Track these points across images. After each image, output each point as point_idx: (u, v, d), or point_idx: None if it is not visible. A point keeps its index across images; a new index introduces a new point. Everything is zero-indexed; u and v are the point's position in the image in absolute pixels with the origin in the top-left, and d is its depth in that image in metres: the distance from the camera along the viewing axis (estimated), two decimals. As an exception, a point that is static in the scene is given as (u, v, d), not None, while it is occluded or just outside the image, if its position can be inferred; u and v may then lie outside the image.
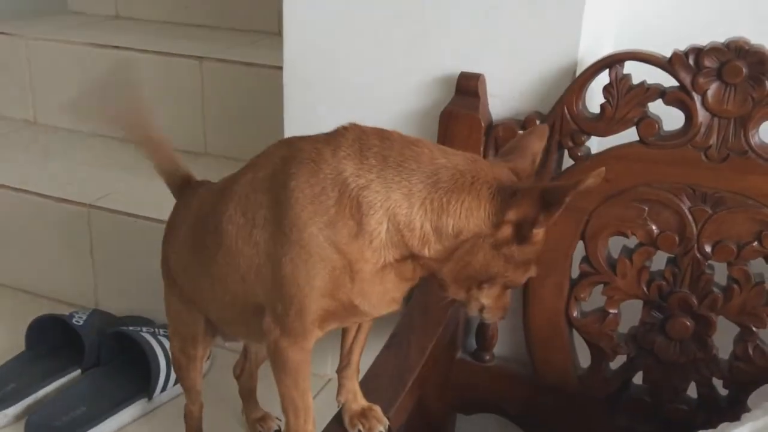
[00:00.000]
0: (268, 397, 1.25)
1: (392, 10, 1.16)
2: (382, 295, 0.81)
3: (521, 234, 0.77)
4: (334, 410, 0.95)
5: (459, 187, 0.76)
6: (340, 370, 0.95)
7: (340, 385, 0.95)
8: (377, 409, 0.94)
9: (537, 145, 0.84)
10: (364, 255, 0.77)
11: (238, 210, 0.84)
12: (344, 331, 0.94)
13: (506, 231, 0.76)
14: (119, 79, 1.21)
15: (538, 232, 0.78)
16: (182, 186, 1.08)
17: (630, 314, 1.13)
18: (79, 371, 1.35)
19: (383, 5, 1.16)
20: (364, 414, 0.93)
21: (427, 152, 0.79)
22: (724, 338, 1.09)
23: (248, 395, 1.24)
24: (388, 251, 0.78)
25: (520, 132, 1.10)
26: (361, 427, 0.92)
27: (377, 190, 0.76)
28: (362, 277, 0.78)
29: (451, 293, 0.83)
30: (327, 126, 0.83)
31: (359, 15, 1.19)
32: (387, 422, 0.93)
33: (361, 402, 0.94)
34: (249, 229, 0.83)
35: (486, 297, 0.82)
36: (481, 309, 0.84)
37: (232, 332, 1.03)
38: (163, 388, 1.29)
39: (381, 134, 0.80)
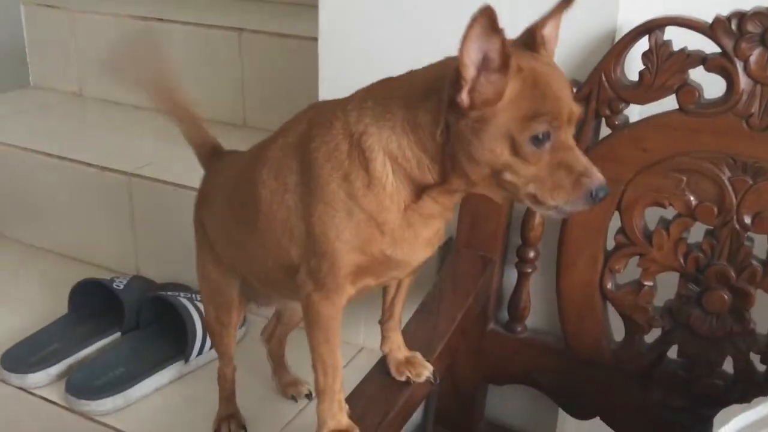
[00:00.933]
0: (298, 365, 1.27)
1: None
2: (413, 239, 0.81)
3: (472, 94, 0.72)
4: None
5: (420, 96, 0.76)
6: (384, 323, 0.98)
7: (384, 337, 0.98)
8: (420, 356, 0.98)
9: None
10: (384, 204, 0.78)
11: (271, 175, 0.86)
12: (385, 287, 0.96)
13: (462, 101, 0.72)
14: (144, 46, 1.22)
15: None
16: (210, 155, 1.10)
17: (666, 287, 1.11)
18: (119, 334, 1.38)
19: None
20: (409, 362, 0.97)
21: (405, 77, 0.79)
22: (762, 312, 1.06)
23: (278, 360, 1.26)
24: (403, 192, 0.78)
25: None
26: (409, 374, 0.96)
27: (372, 133, 0.78)
28: (389, 226, 0.79)
29: (496, 198, 0.80)
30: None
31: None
32: (432, 368, 0.97)
33: (405, 351, 0.98)
34: (282, 194, 0.85)
35: (521, 179, 0.73)
36: (534, 197, 0.74)
37: (273, 294, 1.04)
38: (200, 352, 1.32)
39: (383, 80, 0.81)
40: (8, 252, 1.73)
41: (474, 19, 0.67)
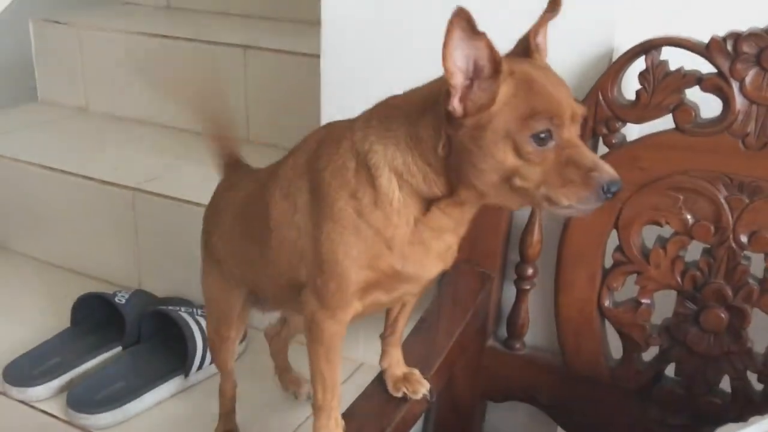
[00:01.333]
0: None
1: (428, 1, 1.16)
2: (424, 253, 0.82)
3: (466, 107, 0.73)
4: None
5: (419, 111, 0.77)
6: (385, 337, 0.98)
7: (384, 352, 0.99)
8: (418, 373, 0.98)
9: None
10: (391, 219, 0.79)
11: (281, 195, 0.88)
12: None
13: (454, 110, 0.73)
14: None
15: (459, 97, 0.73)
16: (231, 165, 1.12)
17: (663, 305, 1.12)
18: (120, 348, 1.39)
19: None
20: (407, 378, 0.98)
21: (407, 95, 0.81)
22: (759, 331, 1.06)
23: (281, 358, 1.27)
24: (411, 207, 0.79)
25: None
26: (405, 390, 0.96)
27: (377, 150, 0.79)
28: (398, 241, 0.80)
29: (510, 205, 0.80)
30: (362, 114, 0.85)
31: (396, 5, 1.20)
32: (428, 385, 0.98)
33: (403, 367, 0.99)
34: (291, 214, 0.86)
35: (531, 182, 0.73)
36: (549, 198, 0.73)
37: (281, 308, 1.05)
38: (200, 367, 1.32)
39: (386, 99, 0.82)
40: (12, 265, 1.74)
41: (450, 23, 0.68)
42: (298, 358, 1.24)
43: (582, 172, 0.71)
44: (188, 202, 1.51)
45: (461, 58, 0.70)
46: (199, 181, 1.15)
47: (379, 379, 1.00)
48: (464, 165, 0.75)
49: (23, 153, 1.73)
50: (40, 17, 2.08)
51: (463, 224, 0.83)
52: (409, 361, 1.01)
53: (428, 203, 0.79)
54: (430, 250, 0.82)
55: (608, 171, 0.72)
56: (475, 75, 0.71)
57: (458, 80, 0.71)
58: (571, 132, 0.73)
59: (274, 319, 1.26)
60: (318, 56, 1.32)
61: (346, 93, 1.26)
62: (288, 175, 0.87)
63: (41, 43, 2.10)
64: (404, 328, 0.99)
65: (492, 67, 0.71)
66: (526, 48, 0.78)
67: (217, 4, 2.18)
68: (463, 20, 0.68)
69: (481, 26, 0.69)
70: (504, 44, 0.76)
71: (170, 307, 1.38)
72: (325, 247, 0.81)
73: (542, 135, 0.71)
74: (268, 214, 0.88)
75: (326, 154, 0.82)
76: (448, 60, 0.70)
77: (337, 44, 1.27)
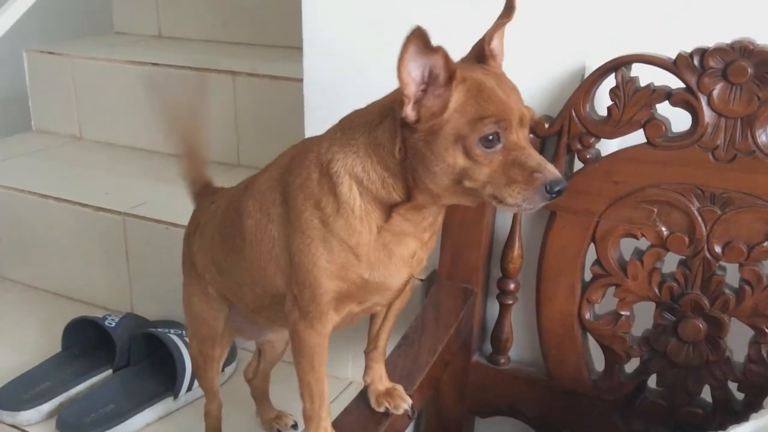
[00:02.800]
0: (282, 399, 1.29)
1: (406, 23, 1.19)
2: (388, 260, 0.84)
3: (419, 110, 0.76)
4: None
5: (379, 119, 0.81)
6: (368, 353, 1.00)
7: (367, 367, 1.00)
8: (400, 388, 1.00)
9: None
10: (354, 227, 0.82)
11: (256, 206, 0.91)
12: (372, 316, 0.99)
13: (408, 116, 0.76)
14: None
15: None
16: (202, 190, 1.14)
17: (643, 317, 1.13)
18: (110, 371, 1.41)
19: (397, 19, 1.19)
20: (389, 393, 0.99)
21: (368, 107, 0.84)
22: (738, 341, 1.08)
23: (262, 396, 1.28)
24: (373, 214, 0.82)
25: (530, 136, 1.11)
26: (387, 405, 0.98)
27: (338, 159, 0.82)
28: (363, 249, 0.82)
29: (465, 203, 0.82)
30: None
31: (375, 30, 1.23)
32: (410, 401, 0.99)
33: (386, 383, 1.00)
34: (265, 224, 0.89)
35: (478, 182, 0.76)
36: (495, 197, 0.76)
37: (262, 320, 1.06)
38: (189, 388, 1.33)
39: (350, 113, 0.86)
40: (4, 291, 1.76)
41: (407, 40, 0.72)
42: (286, 377, 1.25)
43: (526, 172, 0.75)
44: (177, 225, 1.53)
45: (416, 68, 0.74)
46: (188, 204, 1.17)
47: (363, 395, 1.01)
48: (419, 168, 0.78)
49: (17, 181, 1.76)
50: (33, 48, 2.12)
51: (426, 229, 0.85)
52: (392, 376, 1.02)
53: (389, 210, 0.82)
54: (393, 255, 0.84)
55: (551, 171, 0.75)
56: (430, 82, 0.75)
57: (411, 90, 0.75)
58: (519, 135, 0.77)
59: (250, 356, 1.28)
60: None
61: (327, 115, 1.28)
62: (262, 188, 0.90)
63: (35, 73, 2.14)
64: (386, 343, 1.01)
65: (446, 76, 0.74)
66: (480, 53, 0.82)
67: (206, 32, 2.22)
68: (418, 38, 0.71)
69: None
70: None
71: (159, 329, 1.40)
72: (296, 258, 0.84)
73: (490, 137, 0.75)
74: (244, 225, 0.91)
75: (296, 167, 0.85)
76: (403, 72, 0.73)
77: (318, 69, 1.30)
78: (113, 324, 1.42)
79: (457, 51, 0.83)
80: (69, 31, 2.37)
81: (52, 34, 2.24)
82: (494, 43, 0.82)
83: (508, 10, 0.82)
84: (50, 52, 2.10)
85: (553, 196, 0.75)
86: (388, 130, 0.79)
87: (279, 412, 1.29)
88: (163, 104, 1.22)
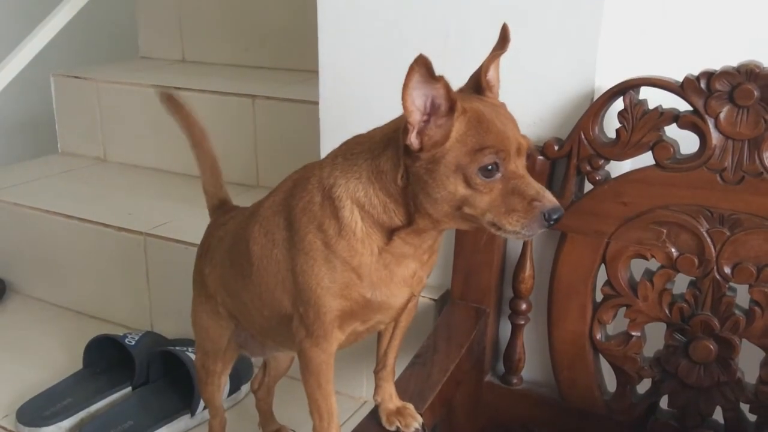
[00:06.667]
0: (290, 414, 1.31)
1: (418, 48, 1.22)
2: (389, 280, 0.86)
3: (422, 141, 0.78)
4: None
5: (382, 146, 0.83)
6: (377, 372, 1.02)
7: (377, 386, 1.02)
8: (411, 407, 1.01)
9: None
10: (356, 248, 0.84)
11: (261, 231, 0.93)
12: (379, 335, 1.01)
13: (411, 144, 0.78)
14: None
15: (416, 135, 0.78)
16: (218, 205, 1.17)
17: (655, 338, 1.13)
18: (129, 388, 1.43)
19: (410, 44, 1.22)
20: (399, 412, 1.00)
21: (369, 133, 0.86)
22: (749, 362, 1.08)
23: (265, 409, 1.30)
24: (374, 236, 0.84)
25: (540, 158, 1.13)
26: (398, 424, 0.99)
27: (340, 184, 0.84)
28: (365, 270, 0.85)
29: (464, 227, 0.84)
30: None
31: (389, 55, 1.25)
32: (421, 419, 1.00)
33: (396, 402, 1.01)
34: (271, 249, 0.91)
35: (478, 210, 0.78)
36: (494, 224, 0.79)
37: (269, 342, 1.08)
38: (205, 406, 1.35)
39: (351, 138, 0.88)
40: (28, 310, 1.80)
41: (411, 68, 0.74)
42: (292, 389, 1.27)
43: (526, 201, 0.77)
44: (196, 245, 1.55)
45: (419, 97, 0.76)
46: (204, 225, 1.20)
47: (374, 413, 1.03)
48: (420, 194, 0.80)
49: (42, 202, 1.81)
50: (60, 72, 2.19)
51: (425, 251, 0.87)
52: (403, 395, 1.04)
53: (390, 233, 0.84)
54: (395, 275, 0.86)
55: (550, 200, 0.77)
56: (432, 112, 0.77)
57: (415, 118, 0.77)
58: (517, 164, 0.79)
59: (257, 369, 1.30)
60: (319, 104, 1.38)
61: (342, 137, 1.31)
62: (267, 214, 0.93)
63: (61, 97, 2.20)
64: (395, 361, 1.02)
65: (448, 106, 0.77)
66: (477, 84, 0.85)
67: (228, 57, 2.27)
68: (422, 66, 0.74)
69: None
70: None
71: (177, 348, 1.42)
72: (300, 278, 0.86)
73: (489, 167, 0.77)
74: (250, 250, 0.94)
75: (299, 191, 0.88)
76: (407, 100, 0.76)
77: (333, 91, 1.33)
78: (133, 342, 1.45)
79: (464, 80, 0.86)
80: (95, 56, 2.44)
81: (77, 59, 2.30)
82: (490, 74, 0.85)
83: (503, 42, 0.85)
84: (76, 77, 2.16)
85: (551, 223, 0.77)
86: (391, 158, 0.82)
87: (281, 426, 1.31)
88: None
